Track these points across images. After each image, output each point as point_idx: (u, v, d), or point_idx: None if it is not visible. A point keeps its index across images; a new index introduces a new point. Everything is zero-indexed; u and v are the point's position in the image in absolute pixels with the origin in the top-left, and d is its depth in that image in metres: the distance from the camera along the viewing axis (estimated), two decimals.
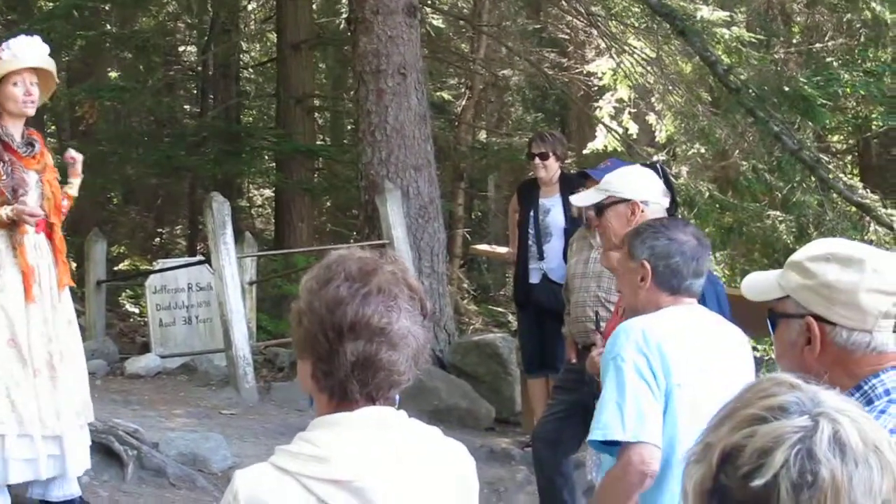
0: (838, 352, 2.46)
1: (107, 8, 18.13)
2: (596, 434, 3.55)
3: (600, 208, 4.62)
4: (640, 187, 4.54)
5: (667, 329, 3.58)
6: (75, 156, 6.08)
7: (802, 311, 2.50)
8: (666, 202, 4.58)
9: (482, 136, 22.67)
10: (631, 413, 3.48)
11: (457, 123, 20.46)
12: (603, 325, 5.42)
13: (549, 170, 8.22)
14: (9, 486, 5.69)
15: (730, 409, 1.53)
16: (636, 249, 3.76)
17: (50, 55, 5.89)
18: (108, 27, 18.47)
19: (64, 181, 6.09)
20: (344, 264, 2.29)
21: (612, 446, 3.55)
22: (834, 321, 2.46)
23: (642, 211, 4.45)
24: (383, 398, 2.28)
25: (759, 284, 2.65)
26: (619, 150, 14.94)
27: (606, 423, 3.52)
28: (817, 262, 2.50)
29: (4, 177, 5.63)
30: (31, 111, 5.77)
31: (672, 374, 3.50)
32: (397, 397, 2.37)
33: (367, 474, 2.17)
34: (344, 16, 17.31)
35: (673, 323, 3.63)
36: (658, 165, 4.79)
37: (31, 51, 5.73)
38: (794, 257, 2.58)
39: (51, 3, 18.50)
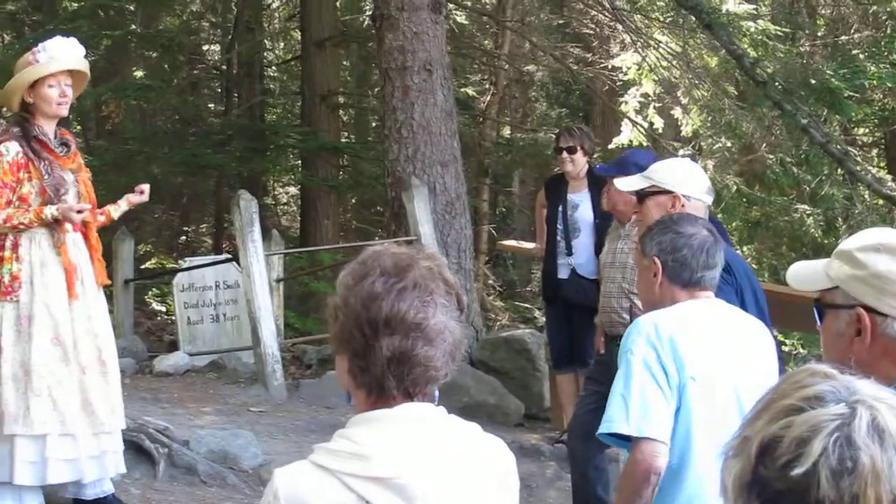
0: (888, 343, 2.43)
1: (131, 7, 18.17)
2: (602, 427, 3.56)
3: (642, 196, 4.60)
4: (685, 181, 4.54)
5: (680, 322, 3.58)
6: (144, 188, 6.10)
7: (852, 302, 2.46)
8: (709, 199, 4.57)
9: (506, 131, 22.66)
10: (635, 407, 3.49)
11: (481, 119, 20.43)
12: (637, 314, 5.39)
13: (577, 164, 8.19)
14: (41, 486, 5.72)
15: (766, 401, 1.53)
16: (646, 246, 3.78)
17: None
18: (133, 27, 18.49)
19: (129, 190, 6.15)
20: (379, 259, 2.28)
21: (628, 440, 3.55)
22: (885, 312, 2.43)
23: (683, 205, 4.44)
24: (421, 394, 2.27)
25: (806, 274, 2.62)
26: (644, 144, 14.91)
27: (611, 417, 3.54)
28: (867, 252, 2.47)
29: (46, 176, 5.66)
30: (65, 112, 5.81)
31: (685, 367, 3.50)
32: (436, 393, 2.36)
33: (407, 471, 2.16)
34: (368, 13, 17.34)
35: (687, 316, 3.63)
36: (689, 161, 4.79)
37: (68, 53, 5.77)
38: (843, 247, 2.55)
39: (76, 4, 18.58)
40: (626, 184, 4.83)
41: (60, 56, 5.72)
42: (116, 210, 6.09)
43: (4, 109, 5.98)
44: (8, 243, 5.71)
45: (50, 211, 5.60)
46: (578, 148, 8.17)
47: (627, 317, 6.27)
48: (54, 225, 5.68)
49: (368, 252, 2.34)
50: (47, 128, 5.78)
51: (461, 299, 2.32)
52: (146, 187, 6.12)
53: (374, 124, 23.04)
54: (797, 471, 1.41)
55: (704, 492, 3.43)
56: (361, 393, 2.29)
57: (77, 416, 5.59)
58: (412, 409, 2.25)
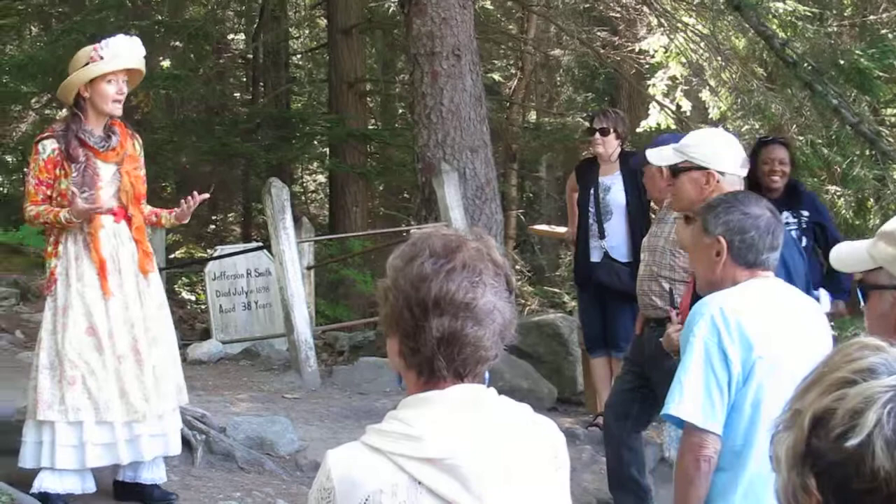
0: None
1: None
2: (664, 408, 3.56)
3: (675, 171, 4.55)
4: (720, 156, 4.46)
5: (745, 303, 3.56)
6: (197, 199, 6.05)
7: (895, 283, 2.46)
8: (744, 173, 4.51)
9: (532, 116, 22.63)
10: (689, 394, 3.49)
11: (508, 105, 20.41)
12: (678, 299, 5.38)
13: (609, 146, 8.17)
14: (92, 470, 5.78)
15: (817, 374, 1.54)
16: (710, 224, 3.71)
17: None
18: (159, 17, 18.53)
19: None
20: (429, 241, 2.29)
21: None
22: None
23: (717, 181, 4.38)
24: (471, 375, 2.29)
25: (850, 255, 2.62)
26: (672, 127, 14.87)
27: (670, 398, 3.54)
28: None
29: (75, 174, 5.71)
30: (118, 112, 5.86)
31: (753, 347, 3.48)
32: (486, 375, 2.37)
33: (459, 452, 2.17)
34: None
35: (751, 297, 3.60)
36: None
37: (130, 52, 5.83)
38: (886, 228, 2.54)
39: None
40: (659, 157, 4.76)
41: (123, 54, 5.79)
42: (168, 219, 6.11)
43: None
44: (51, 239, 5.84)
45: (63, 215, 5.65)
46: (611, 130, 8.15)
47: (658, 300, 6.26)
48: (84, 222, 5.72)
49: (418, 234, 2.35)
50: (96, 122, 5.84)
51: (510, 280, 2.33)
52: (198, 199, 6.07)
53: (400, 111, 23.05)
54: (852, 442, 1.42)
55: (767, 471, 3.41)
56: (412, 374, 2.30)
57: (113, 403, 5.66)
58: (463, 391, 2.26)
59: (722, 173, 4.41)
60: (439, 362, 2.24)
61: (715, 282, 3.72)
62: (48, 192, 5.76)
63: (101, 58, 5.74)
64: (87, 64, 5.76)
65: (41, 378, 5.66)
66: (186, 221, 6.16)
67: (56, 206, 5.72)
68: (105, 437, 5.68)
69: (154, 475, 5.95)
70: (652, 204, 7.62)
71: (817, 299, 6.33)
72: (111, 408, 5.65)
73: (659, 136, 6.94)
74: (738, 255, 3.67)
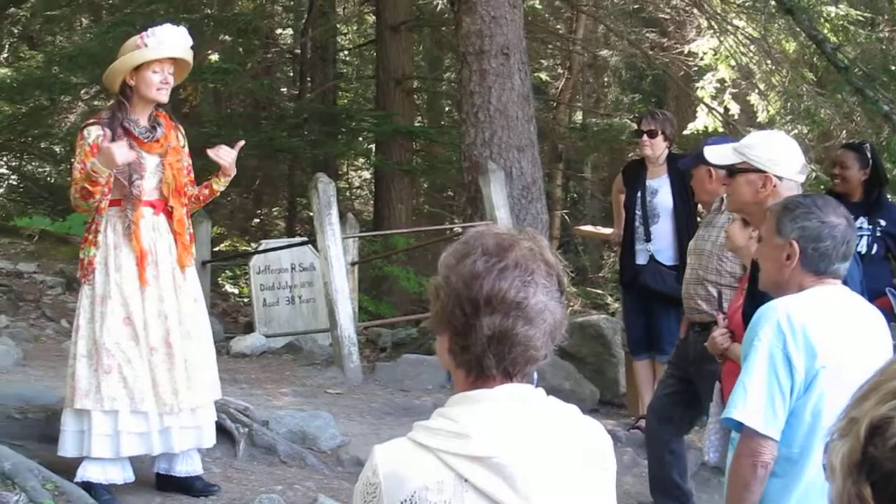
0: None
1: None
2: (724, 410, 3.53)
3: (732, 172, 4.49)
4: (779, 160, 4.36)
5: (812, 311, 3.51)
6: (237, 146, 6.08)
7: None
8: (802, 178, 4.45)
9: (578, 116, 22.59)
10: (751, 398, 3.45)
11: (555, 104, 20.37)
12: (726, 303, 5.34)
13: (656, 148, 8.13)
14: (131, 460, 5.81)
15: (874, 382, 1.52)
16: (785, 227, 3.64)
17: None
18: (209, 10, 18.61)
19: (207, 174, 6.16)
20: (481, 239, 2.29)
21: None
22: None
23: (774, 186, 4.31)
24: (521, 374, 2.28)
25: None
26: (719, 130, 14.83)
27: (731, 402, 3.51)
28: None
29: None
30: (164, 98, 5.84)
31: (817, 356, 3.43)
32: (535, 375, 2.36)
33: (506, 451, 2.17)
34: None
35: (818, 304, 3.54)
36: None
37: (176, 41, 5.81)
38: None
39: None
40: (718, 155, 4.65)
41: (169, 42, 5.77)
42: (217, 183, 6.10)
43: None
44: (92, 227, 5.85)
45: (90, 161, 5.63)
46: (659, 132, 8.11)
47: (703, 304, 6.22)
48: (128, 207, 5.74)
49: (471, 232, 2.35)
50: (141, 111, 5.84)
51: (562, 280, 2.33)
52: (224, 155, 6.05)
53: (447, 108, 23.05)
54: None
55: (823, 481, 3.36)
56: (461, 372, 2.30)
57: (147, 394, 5.67)
58: (512, 390, 2.26)
59: (780, 178, 4.32)
60: (489, 361, 2.24)
61: (780, 284, 3.67)
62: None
63: (146, 45, 5.73)
64: (132, 52, 5.79)
65: (79, 367, 5.70)
66: (232, 174, 6.08)
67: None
68: (139, 427, 5.70)
69: (188, 468, 5.96)
70: (699, 207, 7.59)
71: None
72: (145, 398, 5.67)
73: (710, 139, 6.89)
74: (810, 262, 3.61)
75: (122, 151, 5.58)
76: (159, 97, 5.80)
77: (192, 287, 5.97)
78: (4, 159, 21.88)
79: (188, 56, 5.92)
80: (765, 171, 4.34)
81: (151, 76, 5.74)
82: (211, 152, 5.97)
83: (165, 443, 5.79)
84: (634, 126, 9.89)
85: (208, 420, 6.00)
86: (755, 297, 4.22)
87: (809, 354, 3.43)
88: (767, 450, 3.44)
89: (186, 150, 6.09)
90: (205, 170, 6.52)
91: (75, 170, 5.83)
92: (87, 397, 5.65)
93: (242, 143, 6.22)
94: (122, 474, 5.77)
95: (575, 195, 24.66)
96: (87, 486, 5.64)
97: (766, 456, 3.44)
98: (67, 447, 5.72)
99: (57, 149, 20.06)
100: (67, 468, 5.74)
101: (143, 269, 5.74)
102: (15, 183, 21.98)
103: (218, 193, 6.20)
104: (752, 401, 3.43)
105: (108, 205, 5.75)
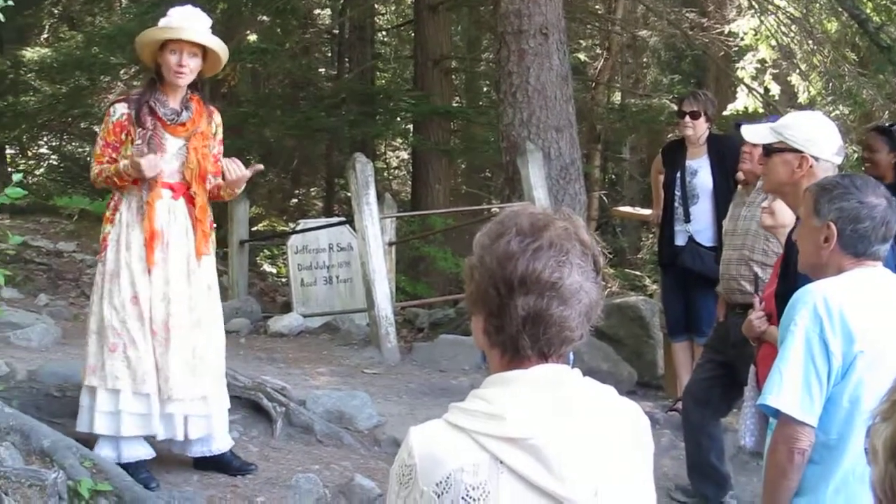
0: None
1: None
2: (759, 397, 3.49)
3: (769, 151, 4.44)
4: (816, 140, 4.31)
5: (850, 294, 3.44)
6: (232, 170, 5.88)
7: None
8: (839, 160, 4.39)
9: (617, 97, 22.50)
10: (788, 384, 3.40)
11: (593, 85, 20.30)
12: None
13: (698, 129, 8.09)
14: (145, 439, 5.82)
15: None
16: (823, 208, 3.58)
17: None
18: None
19: (243, 154, 6.11)
20: (516, 219, 2.27)
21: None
22: None
23: (810, 166, 4.26)
24: (556, 355, 2.26)
25: None
26: (759, 110, 14.74)
27: (767, 389, 3.46)
28: None
29: (139, 141, 5.67)
30: (181, 81, 5.74)
31: (855, 340, 3.37)
32: (571, 356, 2.34)
33: (541, 432, 2.15)
34: None
35: (856, 287, 3.48)
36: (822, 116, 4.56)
37: (187, 23, 5.71)
38: None
39: None
40: (754, 134, 4.58)
41: (181, 26, 5.69)
42: (223, 190, 5.94)
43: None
44: (111, 205, 5.85)
45: (122, 164, 5.64)
46: (701, 113, 8.06)
47: (747, 285, 6.17)
48: (145, 188, 5.71)
49: (506, 212, 2.33)
50: (172, 93, 5.79)
51: (598, 261, 2.31)
52: (255, 168, 6.07)
53: (485, 89, 23.01)
54: None
55: (862, 467, 3.32)
56: (496, 353, 2.28)
57: (149, 376, 5.65)
58: (547, 371, 2.24)
59: (816, 158, 4.27)
60: (524, 341, 2.22)
61: (818, 266, 3.62)
62: (113, 156, 5.73)
63: (159, 25, 5.73)
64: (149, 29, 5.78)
65: (90, 343, 5.73)
66: (238, 191, 5.99)
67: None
68: (141, 408, 5.67)
69: (208, 447, 5.93)
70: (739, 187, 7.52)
71: None
72: (146, 380, 5.64)
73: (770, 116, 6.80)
74: (848, 243, 3.54)
75: (151, 167, 5.59)
76: (176, 80, 5.71)
77: (207, 274, 5.89)
78: (45, 139, 22.03)
79: (204, 40, 5.74)
80: (801, 151, 4.29)
81: (169, 57, 5.67)
82: (226, 161, 5.87)
83: (169, 428, 5.76)
84: (673, 107, 9.82)
85: (221, 408, 5.94)
86: (788, 279, 4.18)
87: (847, 339, 3.38)
88: (804, 436, 3.40)
89: (219, 137, 6.00)
90: (242, 150, 6.48)
91: (97, 145, 5.83)
92: (93, 374, 5.67)
93: (260, 167, 6.17)
94: (143, 450, 5.78)
95: (613, 176, 24.58)
96: (125, 465, 5.66)
97: (804, 443, 3.40)
98: (82, 423, 5.75)
99: (96, 129, 20.15)
100: (88, 444, 5.75)
101: (150, 251, 5.69)
102: (55, 163, 22.14)
103: (222, 199, 6.13)
104: (789, 387, 3.39)
105: (133, 182, 5.73)
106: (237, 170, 5.84)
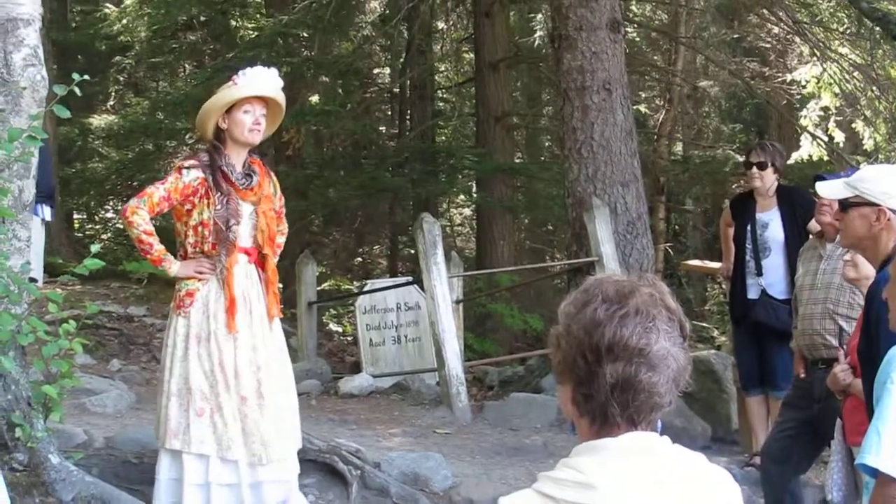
0: None
1: (306, 35, 18.49)
2: (857, 456, 3.42)
3: (845, 206, 4.40)
4: (893, 192, 4.27)
5: None
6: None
7: None
8: None
9: (678, 148, 22.44)
10: (887, 443, 3.31)
11: (655, 137, 20.27)
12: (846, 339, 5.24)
13: (766, 181, 8.04)
14: None
15: None
16: None
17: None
18: (309, 53, 18.82)
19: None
20: (601, 287, 2.27)
21: None
22: None
23: (888, 219, 4.23)
24: (645, 422, 2.25)
25: None
26: (824, 158, 14.66)
27: (865, 448, 3.38)
28: None
29: (219, 206, 5.68)
30: (257, 140, 5.79)
31: None
32: (659, 423, 2.33)
33: (632, 501, 2.14)
34: (539, 33, 17.37)
35: None
36: None
37: (266, 81, 5.78)
38: None
39: (252, 32, 18.98)
40: (829, 190, 4.56)
41: (259, 82, 5.75)
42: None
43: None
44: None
45: (172, 267, 5.69)
46: (769, 164, 8.01)
47: (833, 339, 6.10)
48: (222, 256, 5.70)
49: (590, 280, 2.33)
50: (236, 157, 5.80)
51: (684, 326, 2.30)
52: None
53: (546, 143, 23.03)
54: None
55: None
56: (585, 421, 2.27)
57: (235, 443, 5.59)
58: (637, 438, 2.23)
59: (894, 211, 4.24)
60: (613, 409, 2.22)
61: None
62: (165, 207, 5.69)
63: (237, 84, 5.72)
64: (224, 90, 5.78)
65: (170, 405, 5.63)
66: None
67: (188, 236, 5.75)
68: (230, 478, 5.61)
69: None
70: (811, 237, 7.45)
71: None
72: (232, 447, 5.58)
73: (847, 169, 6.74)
74: None
75: (195, 272, 5.68)
76: (251, 139, 5.75)
77: (279, 336, 5.91)
78: (111, 203, 22.30)
79: (279, 96, 5.84)
80: (878, 205, 4.25)
81: (243, 116, 5.70)
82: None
83: (257, 497, 5.68)
84: (737, 157, 9.77)
85: (294, 472, 5.89)
86: (869, 335, 4.12)
87: None
88: None
89: (278, 193, 6.04)
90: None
91: (157, 189, 5.67)
92: (176, 438, 5.57)
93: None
94: None
95: (676, 227, 24.46)
96: None
97: None
98: (161, 495, 5.65)
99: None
100: None
101: (231, 316, 5.66)
102: (121, 227, 22.38)
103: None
104: (887, 446, 3.32)
105: (211, 248, 5.73)
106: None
